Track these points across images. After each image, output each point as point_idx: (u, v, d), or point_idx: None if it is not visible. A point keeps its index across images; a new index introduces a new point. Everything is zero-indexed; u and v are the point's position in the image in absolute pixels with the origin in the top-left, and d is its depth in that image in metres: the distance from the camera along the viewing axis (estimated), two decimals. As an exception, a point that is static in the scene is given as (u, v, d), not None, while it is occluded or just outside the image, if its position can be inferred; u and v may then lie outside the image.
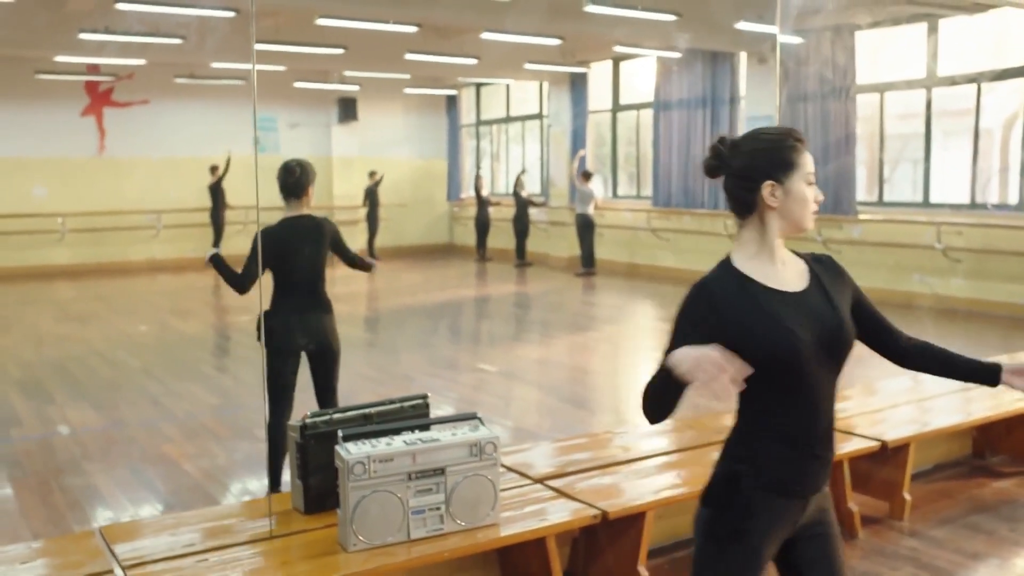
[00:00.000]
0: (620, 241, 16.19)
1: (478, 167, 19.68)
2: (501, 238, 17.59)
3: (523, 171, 17.28)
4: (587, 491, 3.95)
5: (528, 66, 15.24)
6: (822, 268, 2.38)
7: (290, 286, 4.80)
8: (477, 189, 17.63)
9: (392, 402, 3.90)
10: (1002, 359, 6.29)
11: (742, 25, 11.55)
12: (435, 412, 3.94)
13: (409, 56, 13.43)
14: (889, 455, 4.77)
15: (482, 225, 17.71)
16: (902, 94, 12.20)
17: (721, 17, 11.38)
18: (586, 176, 15.40)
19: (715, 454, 2.43)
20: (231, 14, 10.15)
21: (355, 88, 17.78)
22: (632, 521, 3.86)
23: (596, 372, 8.70)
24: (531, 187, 18.22)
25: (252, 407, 6.76)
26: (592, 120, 16.99)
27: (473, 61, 14.07)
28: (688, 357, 2.07)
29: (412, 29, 11.47)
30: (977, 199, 11.27)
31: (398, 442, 3.44)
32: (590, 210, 15.19)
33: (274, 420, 4.73)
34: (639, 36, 12.92)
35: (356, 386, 7.81)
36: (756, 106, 13.60)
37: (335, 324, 4.92)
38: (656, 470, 4.29)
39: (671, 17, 10.99)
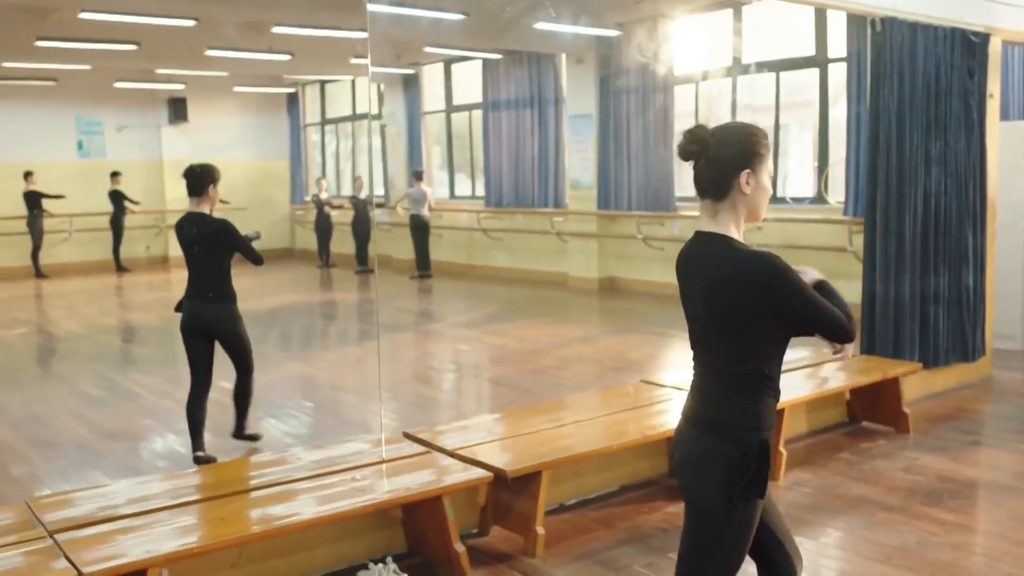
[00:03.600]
0: (457, 242, 15.67)
1: (323, 172, 19.01)
2: (347, 243, 16.87)
3: (357, 176, 16.63)
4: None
5: (355, 61, 14.59)
6: None
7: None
8: (315, 194, 16.94)
9: None
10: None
11: (541, 26, 11.10)
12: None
13: (209, 52, 12.67)
14: (514, 485, 4.24)
15: (323, 230, 16.97)
16: (716, 84, 11.82)
17: (513, 17, 10.91)
18: (418, 176, 14.84)
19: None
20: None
21: (180, 87, 16.91)
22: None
23: (339, 388, 8.09)
24: (376, 188, 17.62)
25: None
26: (430, 120, 16.50)
27: (286, 57, 13.38)
28: None
29: (190, 23, 10.74)
30: (778, 193, 10.92)
31: None
32: (424, 211, 14.60)
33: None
34: (438, 38, 12.51)
35: (67, 407, 7.13)
36: (577, 105, 13.14)
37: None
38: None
39: (459, 16, 10.50)
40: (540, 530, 4.26)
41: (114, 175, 16.19)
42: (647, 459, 5.22)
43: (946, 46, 6.68)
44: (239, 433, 5.94)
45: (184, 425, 5.72)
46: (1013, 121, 8.75)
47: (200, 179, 5.49)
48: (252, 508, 3.81)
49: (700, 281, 2.48)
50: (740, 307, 2.38)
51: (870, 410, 6.21)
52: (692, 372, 2.58)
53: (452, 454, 4.37)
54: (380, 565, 3.95)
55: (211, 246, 5.49)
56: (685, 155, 2.48)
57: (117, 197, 16.23)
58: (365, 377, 8.14)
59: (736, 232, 2.46)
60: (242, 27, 12.08)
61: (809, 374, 6.10)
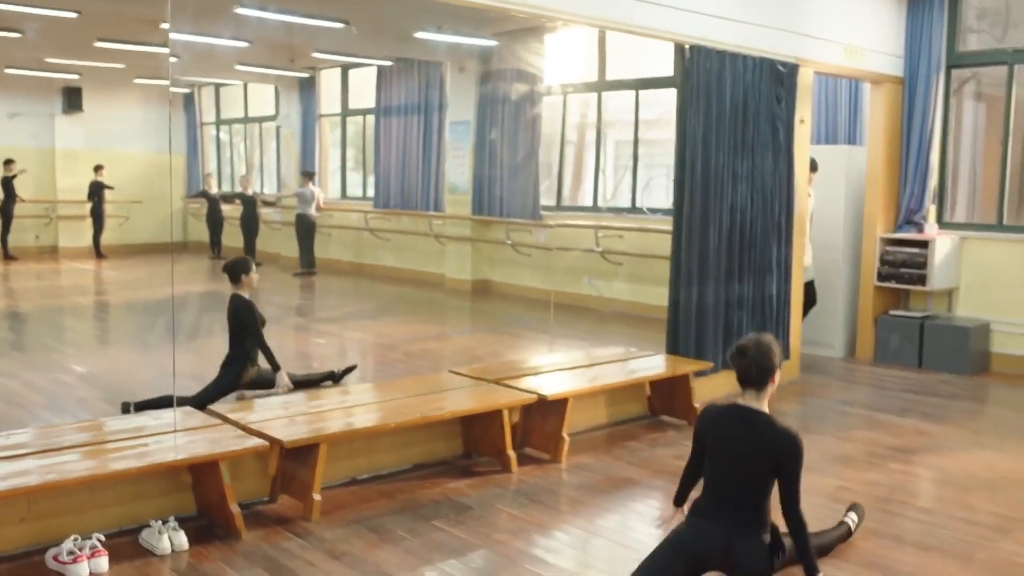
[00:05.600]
0: (345, 241, 16.05)
1: (204, 168, 19.32)
2: (238, 237, 17.11)
3: (243, 174, 17.03)
4: None
5: (240, 68, 14.93)
6: None
7: None
8: (205, 189, 17.23)
9: None
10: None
11: (421, 35, 11.56)
12: None
13: (99, 44, 12.84)
14: (297, 456, 4.68)
15: (214, 223, 17.23)
16: (583, 98, 12.42)
17: (394, 26, 11.37)
18: (307, 176, 15.23)
19: None
20: None
21: (75, 77, 16.97)
22: None
23: (187, 375, 8.39)
24: (271, 187, 17.94)
25: None
26: (327, 123, 16.90)
27: (165, 51, 13.59)
28: None
29: (72, 15, 10.94)
30: (637, 203, 11.53)
31: None
32: (311, 211, 14.97)
33: None
34: (326, 45, 12.93)
35: None
36: (458, 112, 13.63)
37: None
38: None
39: (338, 24, 10.89)
40: (317, 497, 4.69)
41: (7, 163, 16.20)
42: (442, 441, 5.68)
43: (755, 74, 7.29)
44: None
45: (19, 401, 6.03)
46: (833, 145, 9.47)
47: (234, 271, 6.74)
48: (40, 465, 4.16)
49: (749, 443, 3.75)
50: (774, 464, 3.72)
51: (667, 405, 6.77)
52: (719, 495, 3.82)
53: (243, 427, 4.77)
54: (160, 523, 4.35)
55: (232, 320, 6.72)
56: (740, 366, 3.78)
57: (8, 185, 16.26)
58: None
59: (767, 408, 3.81)
60: (131, 21, 12.29)
61: (597, 372, 6.64)
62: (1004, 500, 5.18)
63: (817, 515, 4.70)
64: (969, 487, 5.45)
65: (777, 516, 3.71)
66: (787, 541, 3.86)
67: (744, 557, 3.79)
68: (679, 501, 4.11)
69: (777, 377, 3.81)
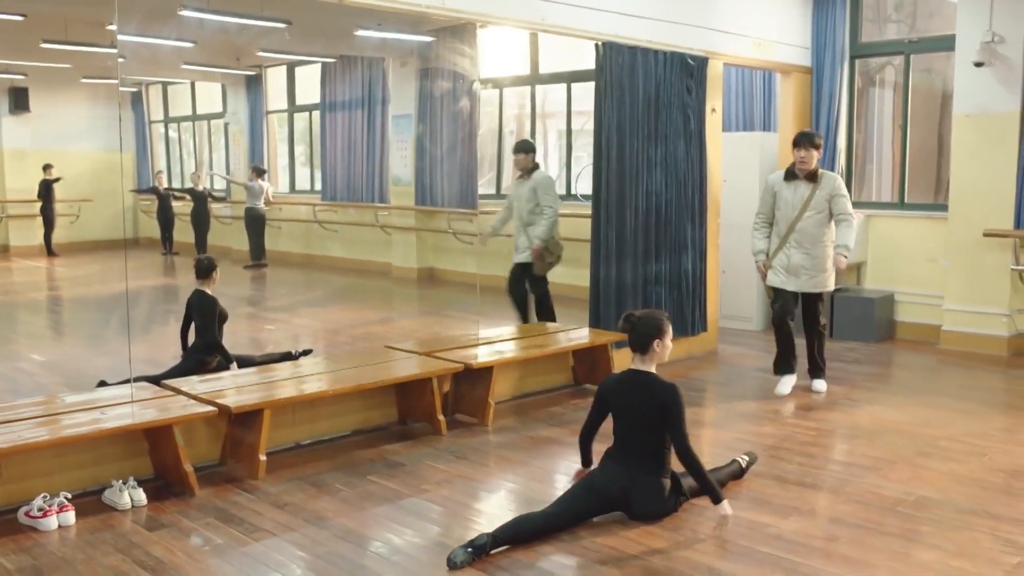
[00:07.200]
0: (295, 234, 16.49)
1: (154, 166, 19.66)
2: (190, 232, 17.49)
3: (195, 170, 17.49)
4: None
5: (187, 67, 15.33)
6: None
7: None
8: (155, 186, 17.61)
9: None
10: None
11: (360, 33, 12.03)
12: None
13: (45, 45, 13.16)
14: (244, 421, 5.19)
15: (165, 220, 17.58)
16: (519, 91, 12.97)
17: (334, 25, 11.84)
18: (257, 172, 15.65)
19: None
20: None
21: (22, 77, 17.21)
22: None
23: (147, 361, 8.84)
24: (220, 184, 18.33)
25: None
26: (275, 119, 17.33)
27: (113, 51, 13.95)
28: None
29: (18, 18, 11.28)
30: (571, 191, 12.10)
31: None
32: (260, 204, 15.40)
33: None
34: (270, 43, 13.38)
35: None
36: (400, 105, 14.14)
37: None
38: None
39: (281, 24, 11.33)
40: (263, 457, 5.20)
41: None
42: (378, 408, 6.20)
43: (666, 67, 7.87)
44: None
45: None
46: (749, 132, 10.11)
47: (206, 268, 7.01)
48: (9, 433, 4.62)
49: (638, 399, 4.47)
50: (660, 412, 4.43)
51: (589, 374, 7.35)
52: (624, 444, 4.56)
53: (194, 396, 5.27)
54: (120, 482, 4.84)
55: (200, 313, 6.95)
56: (625, 333, 4.58)
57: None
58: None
59: (654, 369, 4.55)
60: (77, 23, 12.63)
61: (528, 342, 7.20)
62: (880, 445, 5.83)
63: (713, 462, 5.31)
64: (852, 436, 6.11)
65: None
66: (687, 482, 4.52)
67: (643, 496, 4.46)
68: (586, 463, 4.88)
69: (658, 346, 4.54)
